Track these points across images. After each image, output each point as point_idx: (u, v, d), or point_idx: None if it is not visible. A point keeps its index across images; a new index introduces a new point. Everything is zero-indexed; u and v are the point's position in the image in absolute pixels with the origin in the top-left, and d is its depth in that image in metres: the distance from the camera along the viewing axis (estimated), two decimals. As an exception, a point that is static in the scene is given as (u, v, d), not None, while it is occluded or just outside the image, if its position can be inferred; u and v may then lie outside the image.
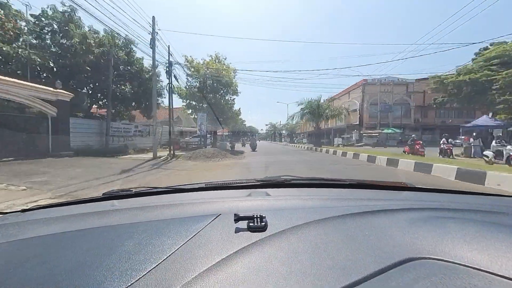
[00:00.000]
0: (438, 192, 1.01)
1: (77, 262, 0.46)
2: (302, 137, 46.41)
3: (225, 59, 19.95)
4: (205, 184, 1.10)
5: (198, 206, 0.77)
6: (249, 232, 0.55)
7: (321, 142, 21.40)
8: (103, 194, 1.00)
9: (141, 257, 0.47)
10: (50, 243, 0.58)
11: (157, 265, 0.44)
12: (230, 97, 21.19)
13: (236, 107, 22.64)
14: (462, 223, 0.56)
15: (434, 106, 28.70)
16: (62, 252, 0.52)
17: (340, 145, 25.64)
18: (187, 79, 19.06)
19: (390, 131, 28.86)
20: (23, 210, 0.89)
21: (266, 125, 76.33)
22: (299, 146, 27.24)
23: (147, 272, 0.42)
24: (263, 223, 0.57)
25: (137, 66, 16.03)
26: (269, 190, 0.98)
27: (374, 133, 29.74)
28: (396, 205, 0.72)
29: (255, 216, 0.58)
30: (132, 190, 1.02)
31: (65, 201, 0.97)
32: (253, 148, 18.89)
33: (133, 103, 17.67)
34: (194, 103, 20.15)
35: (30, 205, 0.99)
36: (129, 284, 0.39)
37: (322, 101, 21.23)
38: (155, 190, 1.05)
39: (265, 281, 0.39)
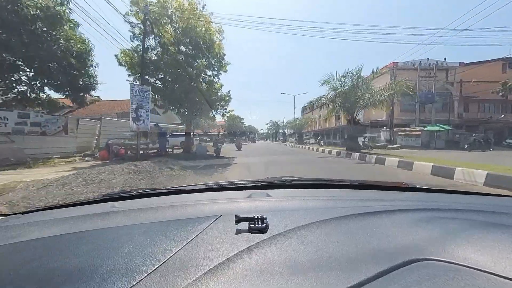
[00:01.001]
0: (440, 192, 0.98)
1: (78, 264, 0.45)
2: (309, 136, 37.89)
3: (204, 7, 11.49)
4: (206, 185, 1.07)
5: (199, 207, 0.75)
6: (250, 233, 0.53)
7: (351, 143, 12.81)
8: (104, 195, 0.97)
9: (141, 259, 0.45)
10: (51, 245, 0.55)
11: (158, 267, 0.42)
12: (213, 69, 12.70)
13: (224, 91, 14.06)
14: (464, 223, 0.54)
15: (500, 93, 20.57)
16: (62, 254, 0.50)
17: (368, 148, 17.41)
18: (133, 33, 10.55)
19: (436, 128, 20.41)
20: (24, 212, 0.86)
21: (267, 124, 68.01)
22: (317, 149, 18.63)
23: (148, 274, 0.41)
24: (264, 224, 0.55)
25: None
26: (269, 191, 0.94)
27: (415, 131, 21.31)
28: (398, 205, 0.70)
29: (256, 217, 0.56)
30: (132, 192, 0.99)
31: (65, 203, 0.93)
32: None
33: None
34: (152, 79, 11.65)
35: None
36: (130, 286, 0.38)
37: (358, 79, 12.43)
38: (155, 191, 1.01)
39: (266, 282, 0.37)
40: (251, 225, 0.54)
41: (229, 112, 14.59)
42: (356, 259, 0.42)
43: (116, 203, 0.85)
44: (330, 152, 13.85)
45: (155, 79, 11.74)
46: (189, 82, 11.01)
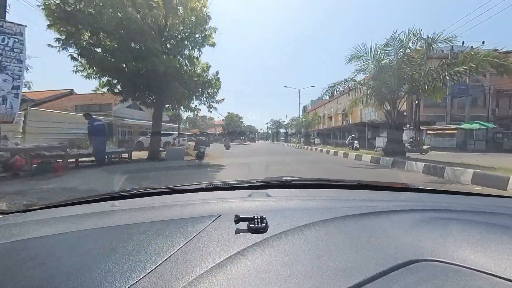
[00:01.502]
0: (440, 193, 0.97)
1: (77, 263, 0.45)
2: (313, 136, 33.77)
3: None
4: (206, 185, 1.07)
5: (199, 206, 0.74)
6: (249, 233, 0.52)
7: (394, 145, 8.78)
8: (103, 194, 0.95)
9: (141, 258, 0.45)
10: (50, 244, 0.55)
11: (157, 266, 0.42)
12: (193, 38, 8.66)
13: (212, 71, 10.00)
14: (465, 224, 0.53)
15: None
16: (61, 253, 0.50)
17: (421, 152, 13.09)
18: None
19: (476, 126, 16.43)
20: (24, 211, 0.84)
21: (267, 123, 63.95)
22: (334, 153, 14.52)
23: (147, 274, 0.40)
24: (264, 224, 0.54)
25: None
26: (269, 191, 0.93)
27: (449, 129, 17.22)
28: (398, 206, 0.69)
29: (255, 217, 0.56)
30: (132, 191, 0.98)
31: (65, 202, 0.91)
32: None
33: None
34: (102, 53, 7.54)
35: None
36: (129, 285, 0.37)
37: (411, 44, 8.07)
38: (155, 190, 1.00)
39: (266, 283, 0.37)
40: (251, 225, 0.54)
41: (218, 102, 10.48)
42: (356, 259, 0.41)
43: (115, 202, 0.85)
44: (359, 158, 9.76)
45: (107, 53, 7.64)
46: (155, 55, 6.96)
